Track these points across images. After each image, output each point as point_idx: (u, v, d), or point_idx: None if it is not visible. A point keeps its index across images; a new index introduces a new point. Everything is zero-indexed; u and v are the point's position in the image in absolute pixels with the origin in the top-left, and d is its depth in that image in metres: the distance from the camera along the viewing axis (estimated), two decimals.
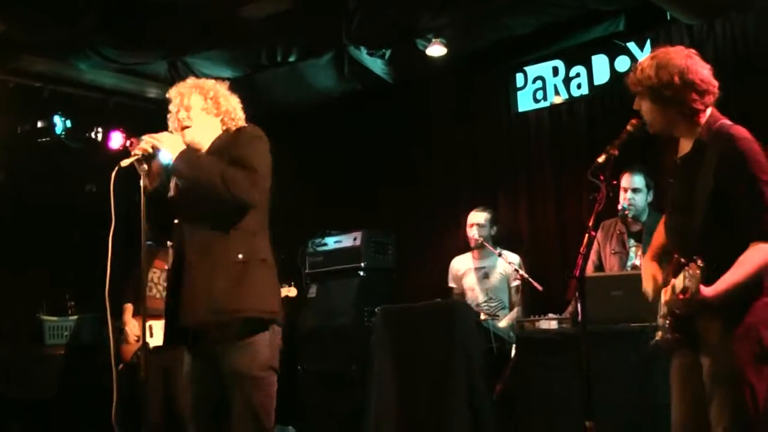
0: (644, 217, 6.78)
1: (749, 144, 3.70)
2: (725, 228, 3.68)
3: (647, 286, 4.07)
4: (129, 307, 7.23)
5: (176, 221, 4.51)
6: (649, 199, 6.74)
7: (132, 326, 7.18)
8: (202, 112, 4.54)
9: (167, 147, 4.35)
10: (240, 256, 4.33)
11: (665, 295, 3.83)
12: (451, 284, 8.08)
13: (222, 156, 4.39)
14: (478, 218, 7.84)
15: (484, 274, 7.81)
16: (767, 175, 3.65)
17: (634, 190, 6.68)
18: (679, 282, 3.67)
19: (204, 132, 4.55)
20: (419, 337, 6.81)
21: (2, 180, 9.61)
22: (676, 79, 3.77)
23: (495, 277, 7.76)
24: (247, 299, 4.32)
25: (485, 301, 7.66)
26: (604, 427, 4.03)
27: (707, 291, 3.55)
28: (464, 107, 9.25)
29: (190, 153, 4.37)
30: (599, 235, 6.93)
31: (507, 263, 7.50)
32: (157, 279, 7.06)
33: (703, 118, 3.83)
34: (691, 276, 3.56)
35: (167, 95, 4.66)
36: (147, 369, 4.88)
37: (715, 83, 3.86)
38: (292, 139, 9.58)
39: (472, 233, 7.77)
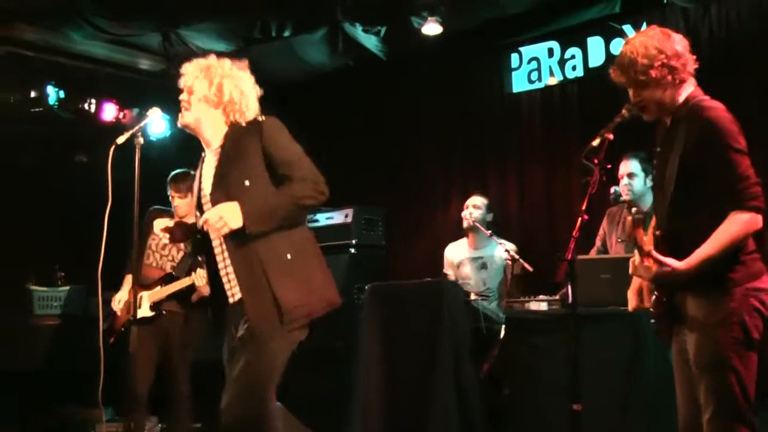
0: (648, 203, 6.72)
1: (719, 113, 3.69)
2: (695, 200, 3.66)
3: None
4: (129, 279, 6.82)
5: None
6: (649, 183, 6.69)
7: (120, 295, 6.89)
8: (202, 101, 4.46)
9: (230, 220, 4.18)
10: (288, 256, 4.31)
11: (632, 264, 3.79)
12: (447, 271, 8.03)
13: (244, 153, 4.36)
14: (475, 200, 7.84)
15: (481, 264, 7.79)
16: (738, 143, 3.64)
17: (630, 175, 6.63)
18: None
19: (203, 120, 4.48)
20: (407, 315, 6.80)
21: None
22: (677, 48, 3.80)
23: (492, 268, 7.73)
24: (313, 302, 4.36)
25: (482, 292, 7.62)
26: (591, 409, 4.04)
27: (678, 264, 3.55)
28: (458, 86, 9.23)
29: (253, 214, 4.21)
30: (605, 222, 6.92)
31: (498, 244, 7.47)
32: (155, 246, 6.95)
33: (683, 94, 3.83)
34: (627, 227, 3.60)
35: (181, 69, 4.58)
36: (136, 342, 4.90)
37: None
38: (283, 113, 9.51)
39: (467, 213, 7.75)
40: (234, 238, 4.25)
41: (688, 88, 3.84)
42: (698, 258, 3.55)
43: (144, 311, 6.69)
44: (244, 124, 4.49)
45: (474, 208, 7.77)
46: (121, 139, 4.37)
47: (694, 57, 3.88)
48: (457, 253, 7.98)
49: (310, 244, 4.49)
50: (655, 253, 3.55)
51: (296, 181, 4.31)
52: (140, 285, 6.73)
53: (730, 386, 3.57)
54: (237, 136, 4.44)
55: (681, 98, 3.82)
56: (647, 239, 3.89)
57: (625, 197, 6.68)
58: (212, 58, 4.60)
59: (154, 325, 6.71)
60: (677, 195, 3.68)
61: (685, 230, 3.62)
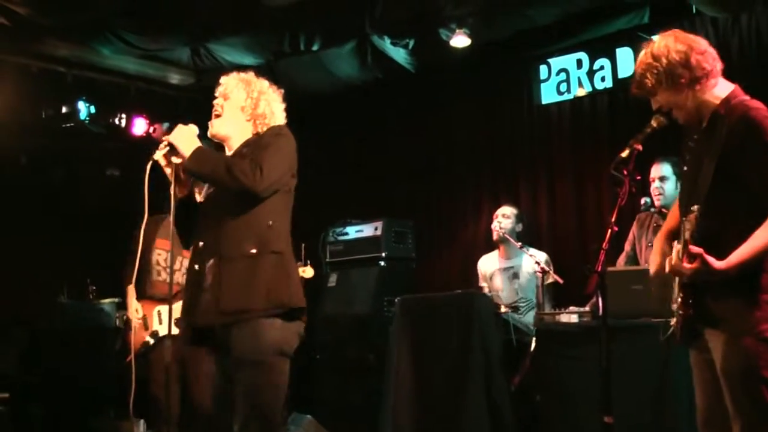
0: None
1: (762, 113, 3.59)
2: (732, 200, 3.58)
3: (652, 261, 4.01)
4: (131, 290, 6.82)
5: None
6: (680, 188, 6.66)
7: (134, 311, 6.79)
8: (237, 109, 4.54)
9: (180, 143, 4.38)
10: (253, 250, 4.29)
11: (669, 263, 3.68)
12: (482, 284, 7.99)
13: (244, 155, 4.40)
14: (505, 210, 7.84)
15: (513, 274, 7.76)
16: None
17: (662, 179, 6.59)
18: (678, 245, 3.59)
19: (232, 128, 4.54)
20: (438, 327, 6.80)
21: (24, 164, 9.66)
22: (673, 54, 3.71)
23: (524, 277, 7.69)
24: (255, 298, 4.24)
25: (515, 302, 7.59)
26: (622, 422, 4.02)
27: (719, 264, 3.47)
28: (487, 98, 9.23)
29: (200, 149, 4.37)
30: (634, 226, 6.87)
31: (529, 255, 7.45)
32: (163, 262, 6.91)
33: (721, 90, 3.74)
34: (688, 222, 3.50)
35: (221, 79, 4.66)
36: (172, 357, 4.91)
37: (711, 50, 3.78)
38: (312, 127, 9.61)
39: (496, 224, 7.73)
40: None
41: (719, 87, 3.74)
42: (738, 258, 3.47)
43: (166, 327, 6.66)
44: None
45: (503, 218, 7.75)
46: (158, 155, 4.40)
47: (713, 56, 3.77)
48: (488, 265, 7.97)
49: (280, 244, 4.43)
50: (697, 249, 3.47)
51: (246, 159, 4.31)
52: (153, 299, 6.74)
53: (761, 397, 3.49)
54: (248, 141, 4.52)
55: (710, 96, 3.72)
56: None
57: (656, 202, 6.65)
58: (252, 74, 4.68)
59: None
60: (713, 194, 3.57)
61: (720, 231, 3.54)
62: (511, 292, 7.71)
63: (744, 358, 3.52)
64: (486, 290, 7.84)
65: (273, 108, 4.61)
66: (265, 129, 4.54)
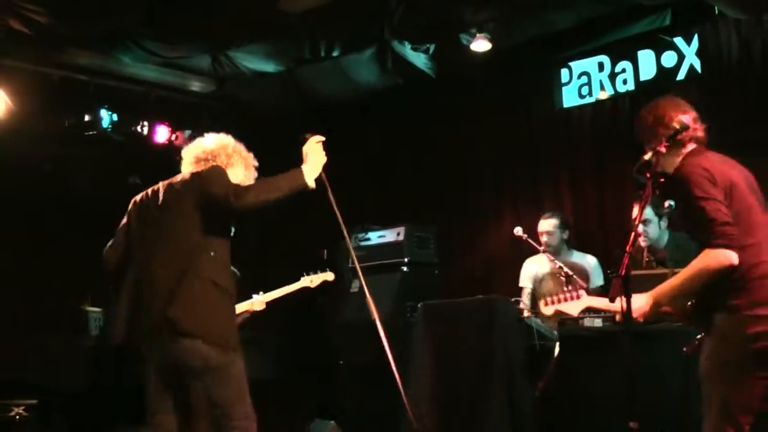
0: (664, 243, 6.71)
1: (688, 169, 3.92)
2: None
3: None
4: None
5: None
6: (663, 226, 6.64)
7: None
8: None
9: None
10: None
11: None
12: (524, 284, 7.90)
13: None
14: (545, 226, 7.69)
15: (565, 279, 7.68)
16: (701, 191, 3.81)
17: (644, 222, 6.57)
18: None
19: None
20: (460, 333, 6.77)
21: (49, 172, 9.69)
22: (651, 119, 4.26)
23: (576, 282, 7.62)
24: None
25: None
26: (647, 427, 3.99)
27: (634, 312, 3.91)
28: (508, 103, 9.20)
29: None
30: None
31: (547, 262, 7.39)
32: None
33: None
34: None
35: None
36: None
37: (695, 125, 4.17)
38: (333, 133, 9.59)
39: (543, 241, 7.63)
40: None
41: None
42: (652, 294, 4.08)
43: None
44: None
45: (548, 235, 7.63)
46: None
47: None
48: (538, 268, 7.86)
49: None
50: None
51: None
52: None
53: None
54: None
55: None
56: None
57: (641, 243, 6.61)
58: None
59: None
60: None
61: None
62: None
63: None
64: (528, 290, 7.81)
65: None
66: None
